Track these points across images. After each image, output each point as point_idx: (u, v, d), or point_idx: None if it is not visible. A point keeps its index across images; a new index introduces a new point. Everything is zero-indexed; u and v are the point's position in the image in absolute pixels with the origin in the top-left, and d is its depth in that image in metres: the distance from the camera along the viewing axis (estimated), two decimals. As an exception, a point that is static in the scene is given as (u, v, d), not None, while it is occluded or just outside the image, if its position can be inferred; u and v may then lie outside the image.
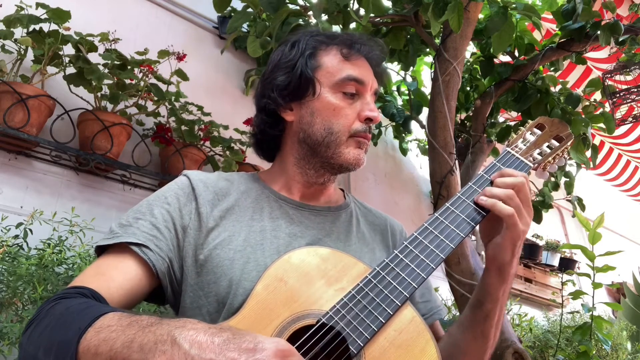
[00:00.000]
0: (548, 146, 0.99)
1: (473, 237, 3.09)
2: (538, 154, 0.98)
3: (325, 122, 0.96)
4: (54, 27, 1.88)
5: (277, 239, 0.92)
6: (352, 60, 0.99)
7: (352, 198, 1.14)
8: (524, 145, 0.99)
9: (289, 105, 1.01)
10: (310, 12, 2.08)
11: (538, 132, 1.01)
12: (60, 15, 1.84)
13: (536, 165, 0.97)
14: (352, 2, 2.04)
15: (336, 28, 2.11)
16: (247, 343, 0.60)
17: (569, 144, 1.00)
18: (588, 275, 2.09)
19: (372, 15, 2.09)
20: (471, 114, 2.98)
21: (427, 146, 2.43)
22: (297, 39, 1.03)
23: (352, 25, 2.13)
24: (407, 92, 3.11)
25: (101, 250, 0.88)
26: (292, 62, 1.00)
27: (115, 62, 1.98)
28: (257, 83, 2.76)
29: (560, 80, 2.90)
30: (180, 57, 2.14)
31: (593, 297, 2.09)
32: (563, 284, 2.57)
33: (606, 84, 2.93)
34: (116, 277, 0.82)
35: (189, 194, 0.95)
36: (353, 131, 0.97)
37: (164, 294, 0.90)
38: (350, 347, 0.73)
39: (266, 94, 1.02)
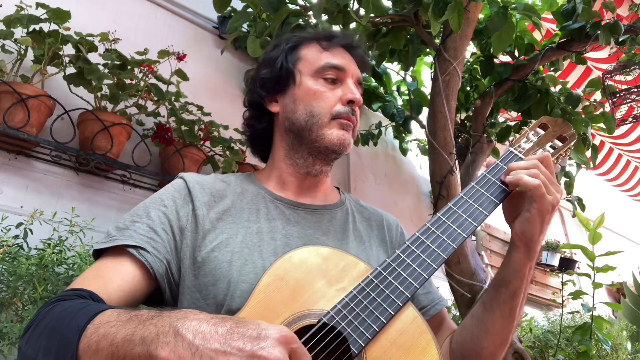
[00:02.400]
0: (551, 146, 0.98)
1: (473, 237, 3.09)
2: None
3: (306, 107, 1.00)
4: (54, 27, 1.88)
5: (274, 240, 0.93)
6: (331, 50, 1.04)
7: (348, 196, 1.15)
8: (527, 145, 0.98)
9: (274, 98, 1.05)
10: (310, 12, 2.07)
11: (541, 132, 1.01)
12: (60, 15, 1.84)
13: (539, 165, 0.97)
14: (352, 2, 2.04)
15: (336, 28, 2.11)
16: (251, 331, 0.60)
17: (572, 144, 0.99)
18: (588, 275, 2.09)
19: (372, 15, 2.09)
20: (471, 114, 2.98)
21: (427, 146, 2.43)
22: (280, 39, 1.10)
23: (352, 25, 2.13)
24: (407, 92, 3.10)
25: (99, 254, 0.88)
26: (274, 57, 1.06)
27: (115, 62, 1.98)
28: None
29: (560, 80, 2.89)
30: (180, 57, 2.14)
31: (593, 297, 2.10)
32: (563, 284, 2.57)
33: (606, 84, 2.93)
34: (114, 279, 0.82)
35: (185, 195, 0.95)
36: (335, 113, 0.99)
37: (162, 296, 0.90)
38: (352, 347, 0.73)
39: (252, 89, 1.08)
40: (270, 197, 1.01)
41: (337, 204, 1.08)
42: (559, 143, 0.99)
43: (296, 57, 1.04)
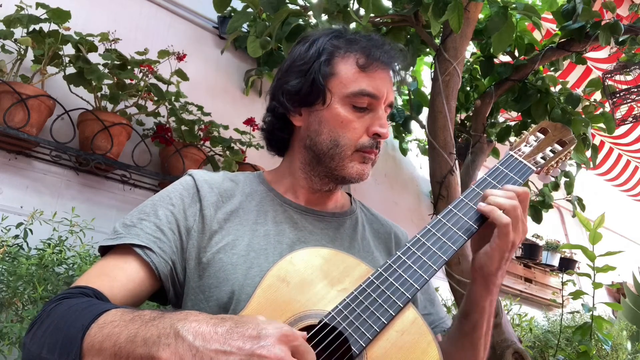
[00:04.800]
0: (551, 150, 0.99)
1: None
2: (541, 157, 0.98)
3: (331, 134, 0.94)
4: (54, 27, 1.88)
5: (280, 244, 0.92)
6: (369, 71, 0.94)
7: (359, 204, 1.13)
8: (527, 148, 0.99)
9: (298, 110, 0.98)
10: (310, 12, 2.07)
11: (541, 136, 1.02)
12: (60, 15, 1.84)
13: (539, 169, 0.97)
14: (352, 2, 2.04)
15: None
16: (251, 330, 0.60)
17: (571, 148, 1.00)
18: (588, 275, 2.09)
19: (372, 15, 2.09)
20: (471, 114, 2.98)
21: (427, 146, 2.43)
22: (317, 37, 0.99)
23: (352, 25, 2.13)
24: (407, 92, 3.10)
25: (105, 250, 0.88)
26: (306, 67, 0.96)
27: (115, 62, 1.98)
28: (257, 83, 2.77)
29: (560, 80, 2.90)
30: (180, 57, 2.14)
31: (593, 297, 2.10)
32: (563, 284, 2.57)
33: (606, 84, 2.93)
34: (119, 277, 0.83)
35: (193, 195, 0.95)
36: (359, 146, 0.94)
37: (166, 294, 0.90)
38: (352, 347, 0.73)
39: (276, 97, 1.00)
40: (278, 199, 1.00)
41: (346, 212, 1.06)
42: (558, 147, 1.00)
43: (330, 71, 0.94)
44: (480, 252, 0.86)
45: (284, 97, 0.98)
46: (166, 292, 0.89)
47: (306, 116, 0.98)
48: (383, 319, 0.76)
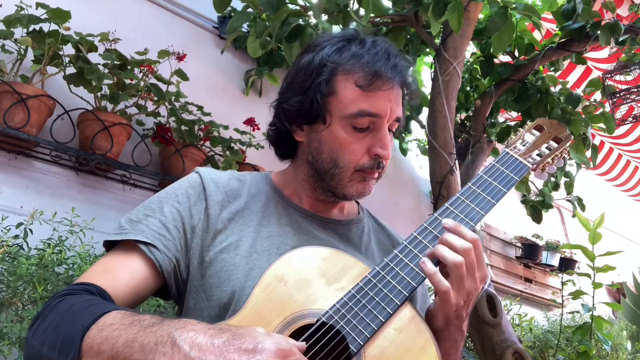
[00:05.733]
0: (547, 147, 0.99)
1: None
2: (537, 155, 0.98)
3: (331, 154, 0.92)
4: (54, 27, 1.88)
5: (284, 244, 0.92)
6: (370, 90, 0.89)
7: (367, 213, 1.12)
8: (523, 146, 0.99)
9: (300, 127, 0.97)
10: (310, 12, 2.08)
11: (537, 133, 1.02)
12: (60, 15, 1.84)
13: (535, 166, 0.97)
14: (352, 2, 2.04)
15: (336, 28, 2.11)
16: (247, 344, 0.60)
17: (567, 145, 1.00)
18: (588, 275, 2.09)
19: (372, 15, 2.09)
20: (471, 114, 2.99)
21: (427, 146, 2.43)
22: (322, 47, 0.95)
23: (352, 25, 2.13)
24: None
25: (110, 245, 0.89)
26: (306, 85, 0.93)
27: (115, 62, 1.98)
28: (257, 83, 2.77)
29: (560, 80, 2.90)
30: (180, 57, 2.14)
31: (593, 297, 2.09)
32: (563, 284, 2.57)
33: (606, 84, 2.93)
34: (123, 275, 0.83)
35: (199, 193, 0.95)
36: (359, 167, 0.92)
37: (169, 291, 0.91)
38: (350, 345, 0.73)
39: (277, 114, 0.99)
40: (284, 202, 1.00)
41: (352, 221, 1.05)
42: (554, 144, 1.00)
43: (329, 90, 0.91)
44: (427, 309, 0.83)
45: (284, 117, 0.97)
46: (169, 289, 0.90)
47: (307, 133, 0.97)
48: (381, 317, 0.76)
